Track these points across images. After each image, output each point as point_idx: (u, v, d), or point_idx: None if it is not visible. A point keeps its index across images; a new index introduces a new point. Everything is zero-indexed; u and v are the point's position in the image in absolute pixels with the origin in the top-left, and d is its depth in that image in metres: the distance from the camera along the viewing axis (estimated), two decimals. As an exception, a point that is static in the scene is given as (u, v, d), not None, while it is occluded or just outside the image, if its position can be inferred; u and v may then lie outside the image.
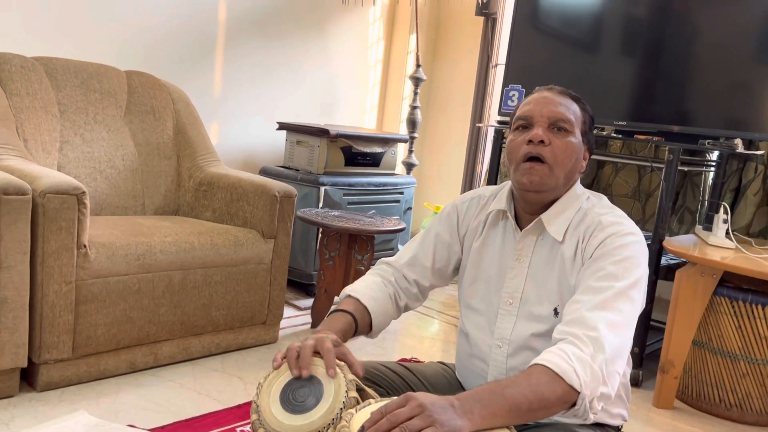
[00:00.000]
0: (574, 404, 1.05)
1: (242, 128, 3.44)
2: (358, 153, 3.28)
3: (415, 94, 3.73)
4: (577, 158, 1.28)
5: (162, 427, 1.80)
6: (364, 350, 2.59)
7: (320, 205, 3.07)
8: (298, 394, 1.09)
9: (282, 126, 3.33)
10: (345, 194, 3.17)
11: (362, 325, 1.34)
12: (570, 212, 1.30)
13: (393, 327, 2.92)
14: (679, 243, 2.42)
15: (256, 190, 2.45)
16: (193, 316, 2.23)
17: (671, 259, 2.66)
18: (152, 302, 2.11)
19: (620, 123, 2.77)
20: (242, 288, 2.36)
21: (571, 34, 3.00)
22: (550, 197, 1.30)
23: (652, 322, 2.61)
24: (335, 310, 1.33)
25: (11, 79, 2.35)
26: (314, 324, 2.77)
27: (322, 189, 3.07)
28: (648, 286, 2.51)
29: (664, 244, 2.38)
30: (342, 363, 1.15)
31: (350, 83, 3.92)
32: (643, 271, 1.21)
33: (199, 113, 3.08)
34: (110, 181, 2.54)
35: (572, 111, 1.28)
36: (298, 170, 3.23)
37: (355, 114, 4.00)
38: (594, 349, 1.06)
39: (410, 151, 3.78)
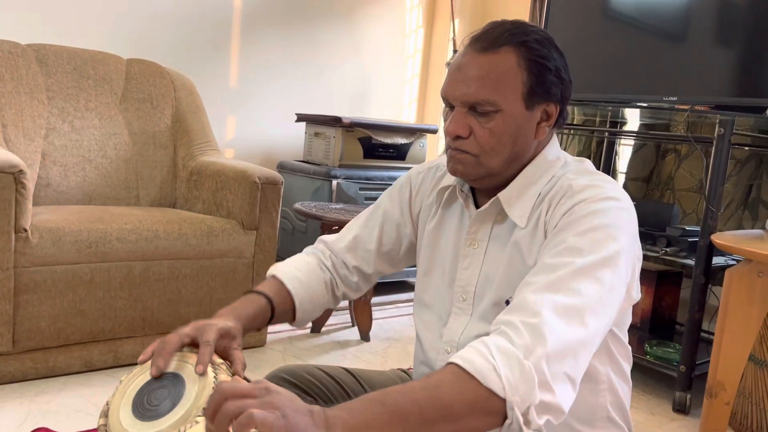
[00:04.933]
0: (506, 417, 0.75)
1: (262, 122, 3.26)
2: (378, 144, 3.01)
3: (452, 82, 3.42)
4: (517, 135, 0.96)
5: (83, 432, 1.59)
6: (360, 357, 2.29)
7: (333, 200, 2.82)
8: (155, 396, 0.87)
9: (300, 117, 3.12)
10: (361, 188, 2.90)
11: (282, 311, 1.09)
12: (537, 187, 0.99)
13: (403, 333, 2.60)
14: (733, 237, 1.95)
15: (237, 177, 2.23)
16: (157, 313, 2.03)
17: (733, 259, 2.18)
18: (107, 295, 1.93)
19: (670, 98, 2.34)
20: (217, 284, 2.14)
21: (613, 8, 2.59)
22: (496, 181, 1.00)
23: (704, 334, 2.14)
24: (249, 291, 1.09)
25: (-5, 64, 2.28)
26: (313, 328, 2.51)
27: (335, 182, 2.82)
28: (697, 291, 2.08)
29: (714, 238, 1.93)
30: (219, 361, 0.91)
31: (385, 75, 3.66)
32: (622, 245, 0.88)
33: (213, 105, 2.94)
34: (101, 171, 2.42)
35: (499, 78, 0.93)
36: (318, 165, 3.00)
37: (392, 108, 3.73)
38: (531, 339, 0.78)
39: (447, 145, 3.46)
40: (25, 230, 1.78)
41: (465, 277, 1.04)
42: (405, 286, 3.23)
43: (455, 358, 0.77)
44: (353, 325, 2.58)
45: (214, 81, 3.07)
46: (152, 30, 2.92)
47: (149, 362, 0.88)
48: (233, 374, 0.91)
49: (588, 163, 1.04)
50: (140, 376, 0.90)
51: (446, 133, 0.98)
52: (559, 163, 1.01)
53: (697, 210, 2.76)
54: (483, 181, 1.00)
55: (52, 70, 2.41)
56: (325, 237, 1.24)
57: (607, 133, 2.84)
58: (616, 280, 0.87)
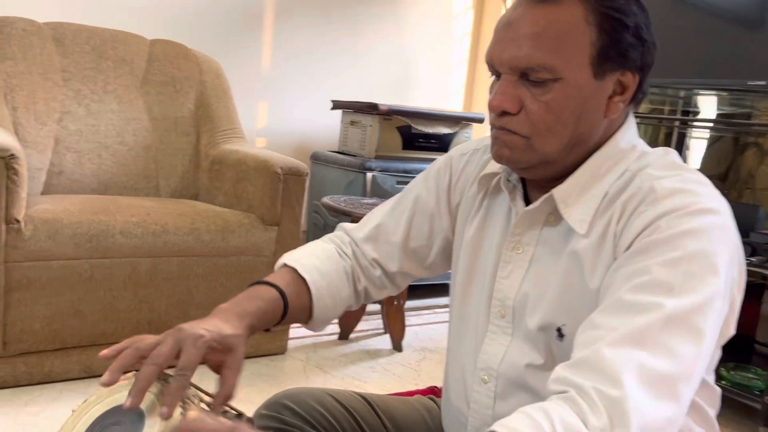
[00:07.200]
0: None
1: (295, 110, 3.05)
2: (418, 134, 2.76)
3: (503, 68, 3.14)
4: (582, 112, 0.74)
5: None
6: (390, 371, 2.06)
7: (367, 194, 2.59)
8: (108, 432, 0.68)
9: (336, 104, 2.90)
10: (399, 182, 2.66)
11: (296, 308, 0.88)
12: (604, 184, 0.76)
13: (440, 343, 2.35)
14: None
15: (258, 167, 2.02)
16: (165, 315, 1.84)
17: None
18: (109, 294, 1.75)
19: (758, 83, 2.01)
20: (233, 284, 1.94)
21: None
22: (552, 171, 0.78)
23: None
24: (257, 282, 0.87)
25: (8, 42, 2.13)
26: (341, 334, 2.28)
27: (369, 175, 2.59)
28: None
29: (813, 247, 1.62)
30: (192, 391, 0.72)
31: (430, 60, 3.40)
32: (723, 279, 0.67)
33: (243, 91, 2.75)
34: (118, 159, 2.25)
35: (559, 37, 0.72)
36: (354, 156, 2.77)
37: (436, 96, 3.47)
38: (610, 421, 0.59)
39: (495, 137, 3.18)
40: (17, 221, 1.61)
41: (504, 288, 0.82)
42: (443, 290, 2.97)
43: (503, 429, 0.59)
44: (385, 332, 2.34)
45: (244, 65, 2.88)
46: (180, 9, 2.74)
47: (105, 390, 0.71)
48: (210, 406, 0.72)
49: (674, 155, 0.79)
50: (94, 406, 0.74)
51: (490, 107, 0.76)
52: (634, 154, 0.78)
53: (782, 213, 2.42)
54: (535, 170, 0.78)
55: (69, 50, 2.25)
56: (346, 224, 1.03)
57: (677, 123, 2.51)
58: (714, 326, 0.66)
